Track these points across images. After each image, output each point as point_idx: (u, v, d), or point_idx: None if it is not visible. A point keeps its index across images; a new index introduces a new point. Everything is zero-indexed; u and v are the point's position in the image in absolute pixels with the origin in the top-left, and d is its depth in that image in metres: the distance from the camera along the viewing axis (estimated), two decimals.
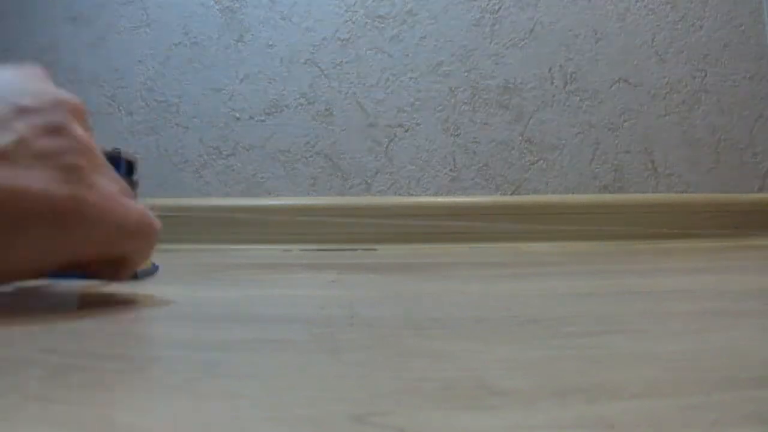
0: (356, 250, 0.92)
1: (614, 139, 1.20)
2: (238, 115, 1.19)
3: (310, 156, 1.19)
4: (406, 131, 1.20)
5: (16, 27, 1.21)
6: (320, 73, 1.20)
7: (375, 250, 0.91)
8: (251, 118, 1.19)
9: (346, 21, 1.20)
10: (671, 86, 1.20)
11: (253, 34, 1.20)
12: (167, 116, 1.19)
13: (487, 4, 1.21)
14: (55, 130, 0.26)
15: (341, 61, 1.20)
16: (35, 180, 0.24)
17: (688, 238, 1.13)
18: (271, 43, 1.20)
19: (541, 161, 1.20)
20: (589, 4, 1.20)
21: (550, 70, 1.20)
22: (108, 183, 0.28)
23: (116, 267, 0.29)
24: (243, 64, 1.19)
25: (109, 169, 0.29)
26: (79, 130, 0.28)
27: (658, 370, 0.16)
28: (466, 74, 1.20)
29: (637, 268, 0.54)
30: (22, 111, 0.26)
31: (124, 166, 0.46)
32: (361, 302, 0.31)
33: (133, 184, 0.49)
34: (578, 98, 1.20)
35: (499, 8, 1.21)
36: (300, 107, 1.20)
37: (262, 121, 1.19)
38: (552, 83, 1.20)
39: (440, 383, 0.15)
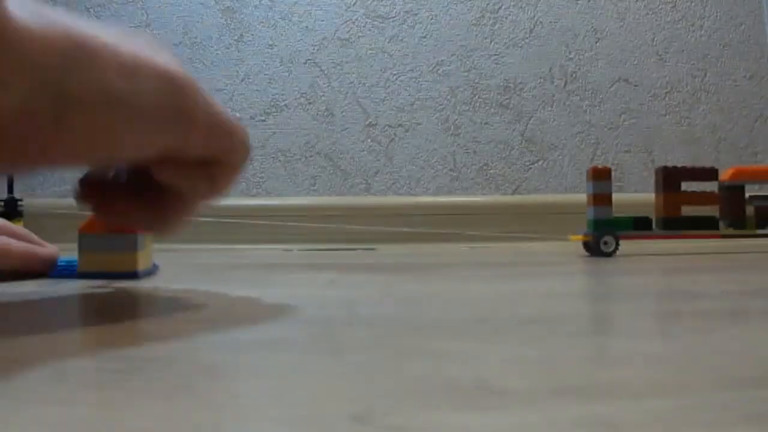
0: (356, 250, 0.92)
1: (614, 139, 1.20)
2: (238, 114, 1.19)
3: (310, 156, 1.19)
4: (406, 131, 1.20)
5: None
6: (320, 73, 1.20)
7: (375, 250, 0.91)
8: (251, 118, 1.19)
9: (346, 21, 1.20)
10: (671, 86, 1.20)
11: (253, 34, 1.20)
12: None
13: (487, 4, 1.21)
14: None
15: (341, 61, 1.20)
16: (157, 57, 0.25)
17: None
18: (271, 43, 1.20)
19: (541, 161, 1.20)
20: (589, 4, 1.20)
21: (550, 69, 1.20)
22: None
23: (211, 172, 0.29)
24: (243, 64, 1.19)
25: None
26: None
27: (658, 370, 0.16)
28: (466, 74, 1.20)
29: (636, 268, 0.54)
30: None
31: None
32: (361, 302, 0.31)
33: None
34: (578, 98, 1.20)
35: (499, 8, 1.21)
36: (300, 107, 1.20)
37: (263, 121, 1.19)
38: (552, 83, 1.20)
39: (440, 383, 0.15)
